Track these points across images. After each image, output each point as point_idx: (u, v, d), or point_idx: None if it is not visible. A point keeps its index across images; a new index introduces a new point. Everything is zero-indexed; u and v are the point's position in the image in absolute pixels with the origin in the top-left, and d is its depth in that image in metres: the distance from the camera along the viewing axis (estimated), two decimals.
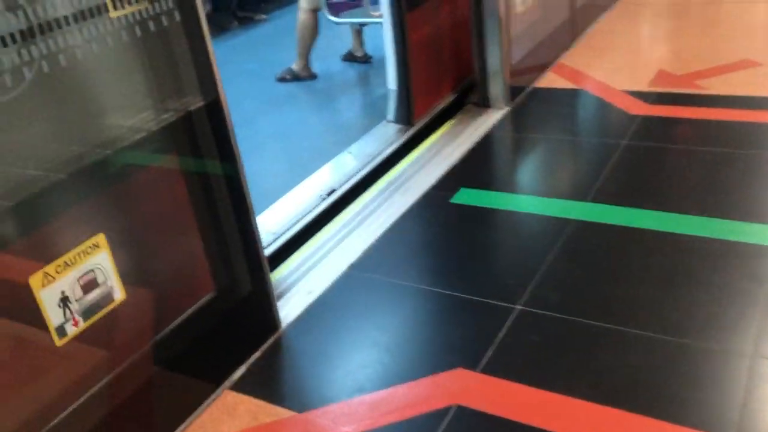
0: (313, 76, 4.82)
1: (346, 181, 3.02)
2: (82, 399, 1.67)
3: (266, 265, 2.17)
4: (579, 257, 2.42)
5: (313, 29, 4.74)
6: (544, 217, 2.69)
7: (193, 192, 1.95)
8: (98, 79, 1.67)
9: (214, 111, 1.91)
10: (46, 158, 1.57)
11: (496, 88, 3.66)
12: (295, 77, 4.80)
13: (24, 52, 1.44)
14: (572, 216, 2.64)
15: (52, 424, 1.61)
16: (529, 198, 2.86)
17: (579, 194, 2.78)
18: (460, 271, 2.45)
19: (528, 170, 3.20)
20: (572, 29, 4.50)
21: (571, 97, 3.79)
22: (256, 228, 2.10)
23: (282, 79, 4.82)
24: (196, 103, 1.87)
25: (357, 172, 3.09)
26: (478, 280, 2.38)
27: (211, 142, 1.95)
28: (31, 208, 1.56)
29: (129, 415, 1.81)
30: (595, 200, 2.72)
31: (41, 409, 1.60)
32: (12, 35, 1.41)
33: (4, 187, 1.49)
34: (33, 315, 1.53)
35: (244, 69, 5.18)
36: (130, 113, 1.75)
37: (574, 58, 4.26)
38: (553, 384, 1.89)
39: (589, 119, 3.64)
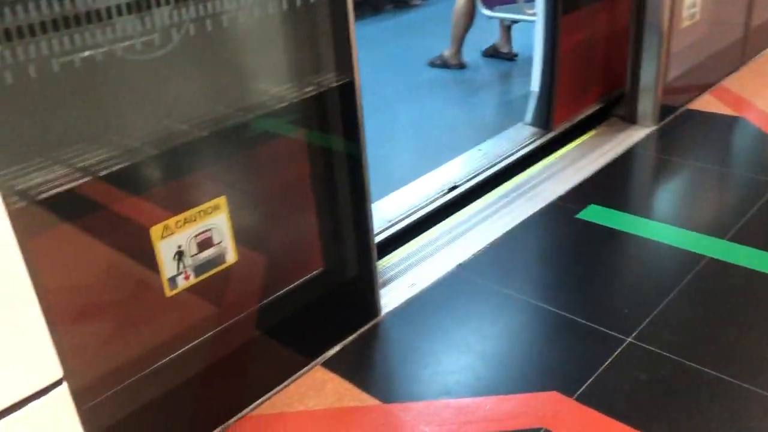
0: (461, 65, 4.77)
1: (471, 178, 2.97)
2: (182, 349, 1.75)
3: (374, 250, 2.18)
4: (706, 297, 2.24)
5: (469, 15, 4.66)
6: (675, 248, 2.51)
7: (315, 168, 1.98)
8: (245, 46, 1.73)
9: (348, 92, 1.93)
10: (193, 114, 1.64)
11: (646, 104, 3.45)
12: (444, 64, 4.76)
13: (176, 13, 1.50)
14: (706, 252, 2.45)
15: (152, 368, 1.70)
16: (662, 226, 2.68)
17: (718, 230, 2.58)
18: (574, 291, 2.35)
19: (666, 196, 3.00)
20: (743, 51, 4.16)
21: (727, 124, 3.51)
22: (370, 213, 2.10)
23: (432, 64, 4.81)
24: (332, 81, 1.89)
25: (483, 171, 3.03)
26: (591, 303, 2.26)
27: (340, 122, 1.97)
28: (169, 161, 1.64)
29: (223, 373, 1.88)
30: (734, 239, 2.51)
31: (145, 352, 1.69)
32: None
33: (153, 136, 1.57)
34: (149, 263, 1.62)
35: (390, 52, 5.23)
36: (273, 83, 1.80)
37: (739, 82, 3.94)
38: (650, 427, 1.77)
39: (744, 151, 3.36)
